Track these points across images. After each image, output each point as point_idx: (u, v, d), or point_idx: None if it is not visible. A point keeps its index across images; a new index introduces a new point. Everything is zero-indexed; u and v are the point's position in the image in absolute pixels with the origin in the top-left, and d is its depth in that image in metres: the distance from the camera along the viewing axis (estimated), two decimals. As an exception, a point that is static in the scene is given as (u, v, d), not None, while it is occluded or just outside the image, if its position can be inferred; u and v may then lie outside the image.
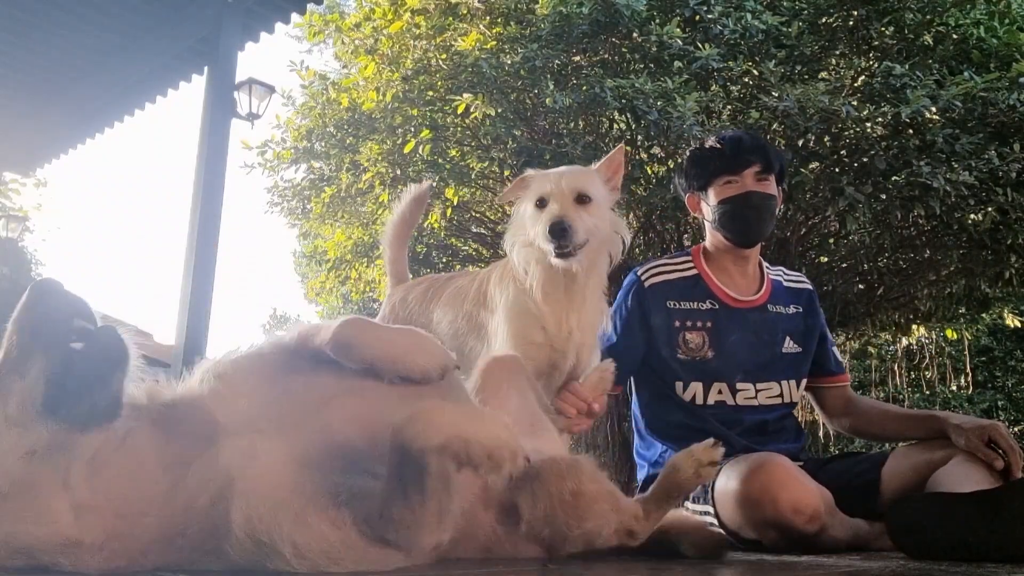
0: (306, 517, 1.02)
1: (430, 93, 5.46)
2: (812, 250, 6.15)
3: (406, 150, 5.49)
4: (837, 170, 4.97)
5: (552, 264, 1.88)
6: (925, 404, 11.54)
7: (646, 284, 2.29)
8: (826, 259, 6.22)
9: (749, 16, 4.96)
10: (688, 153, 2.46)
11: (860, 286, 6.25)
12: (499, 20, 5.50)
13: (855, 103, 4.71)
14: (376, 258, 6.70)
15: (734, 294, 2.30)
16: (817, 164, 5.07)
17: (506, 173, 5.49)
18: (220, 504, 1.02)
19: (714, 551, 1.60)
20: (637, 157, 5.39)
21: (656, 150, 5.44)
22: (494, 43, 5.39)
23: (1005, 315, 7.54)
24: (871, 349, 10.56)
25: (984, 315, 7.52)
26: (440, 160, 5.54)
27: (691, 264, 2.34)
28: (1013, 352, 12.30)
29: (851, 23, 5.30)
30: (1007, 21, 5.24)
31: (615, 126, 5.64)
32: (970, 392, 11.95)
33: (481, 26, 5.51)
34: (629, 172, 5.07)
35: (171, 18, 6.11)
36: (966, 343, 11.31)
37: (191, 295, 5.34)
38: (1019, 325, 7.72)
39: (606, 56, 5.37)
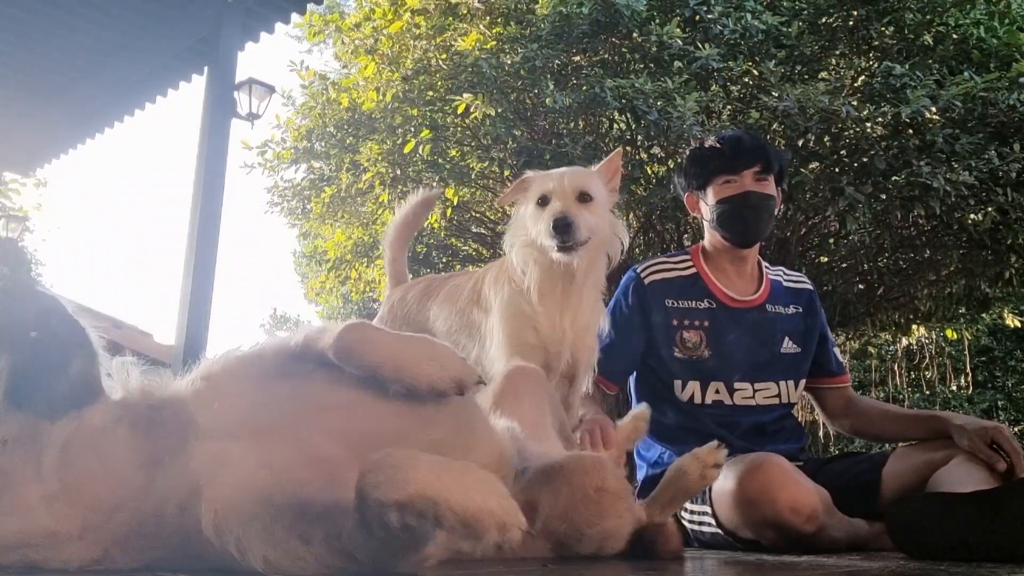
0: (275, 531, 0.98)
1: (430, 93, 5.46)
2: (812, 250, 6.15)
3: (406, 150, 5.49)
4: (837, 170, 4.97)
5: (554, 260, 1.89)
6: (925, 404, 11.54)
7: (646, 281, 2.29)
8: (826, 259, 6.22)
9: (749, 16, 4.96)
10: (687, 152, 2.46)
11: (860, 286, 6.25)
12: (499, 20, 5.50)
13: (855, 103, 4.71)
14: (376, 258, 6.69)
15: (732, 293, 2.30)
16: (817, 164, 5.07)
17: (506, 173, 5.49)
18: (189, 510, 0.99)
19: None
20: (637, 157, 5.39)
21: (656, 150, 5.44)
22: (494, 43, 5.39)
23: (1005, 315, 7.54)
24: (871, 349, 10.56)
25: (984, 315, 7.51)
26: (440, 160, 5.54)
27: (690, 263, 2.34)
28: (1013, 352, 12.29)
29: (851, 23, 5.30)
30: (1007, 21, 5.24)
31: (615, 126, 5.64)
32: (970, 392, 11.95)
33: (481, 26, 5.51)
34: (629, 172, 5.07)
35: (171, 18, 6.11)
36: (966, 343, 11.31)
37: (191, 295, 5.34)
38: (1019, 325, 7.72)
39: (606, 56, 5.37)
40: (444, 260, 7.07)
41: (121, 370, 1.13)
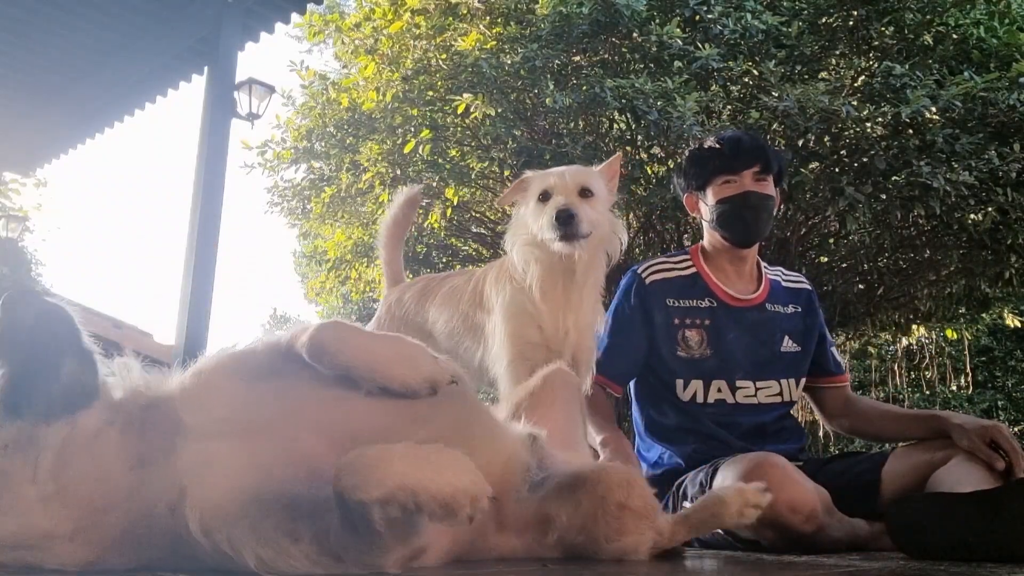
0: (264, 530, 0.99)
1: (430, 93, 5.46)
2: (812, 250, 6.15)
3: (406, 150, 5.49)
4: (837, 170, 4.97)
5: (555, 251, 1.89)
6: (925, 404, 11.54)
7: (647, 282, 2.29)
8: (826, 259, 6.22)
9: (749, 16, 4.96)
10: (686, 153, 2.46)
11: (860, 286, 6.25)
12: (499, 20, 5.50)
13: (855, 103, 4.71)
14: (376, 258, 6.69)
15: (732, 292, 2.30)
16: (817, 164, 5.07)
17: (506, 173, 5.49)
18: (178, 511, 1.00)
19: None
20: (637, 157, 5.39)
21: (656, 150, 5.44)
22: (494, 43, 5.39)
23: (1005, 315, 7.54)
24: (871, 349, 10.56)
25: (984, 315, 7.51)
26: (440, 160, 5.54)
27: (690, 263, 2.35)
28: (1013, 352, 12.29)
29: (851, 23, 5.30)
30: (1007, 21, 5.24)
31: (615, 126, 5.64)
32: (970, 392, 11.95)
33: (481, 26, 5.51)
34: (629, 172, 5.07)
35: (171, 18, 6.11)
36: (966, 343, 11.31)
37: (191, 295, 5.34)
38: (1019, 325, 7.72)
39: (606, 56, 5.37)
40: (444, 260, 7.07)
41: (123, 369, 1.13)
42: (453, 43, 5.49)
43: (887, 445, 2.36)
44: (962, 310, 6.87)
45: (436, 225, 6.06)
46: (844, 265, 6.11)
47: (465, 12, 5.54)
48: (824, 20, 5.36)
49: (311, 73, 6.66)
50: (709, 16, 5.11)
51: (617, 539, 1.28)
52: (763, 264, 2.42)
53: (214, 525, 0.99)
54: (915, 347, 11.55)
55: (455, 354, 2.09)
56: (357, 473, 0.94)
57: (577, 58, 5.33)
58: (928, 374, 12.09)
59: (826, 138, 4.96)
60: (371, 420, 1.13)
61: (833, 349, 2.44)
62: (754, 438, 2.19)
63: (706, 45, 4.83)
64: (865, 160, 4.82)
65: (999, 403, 12.06)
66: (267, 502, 1.00)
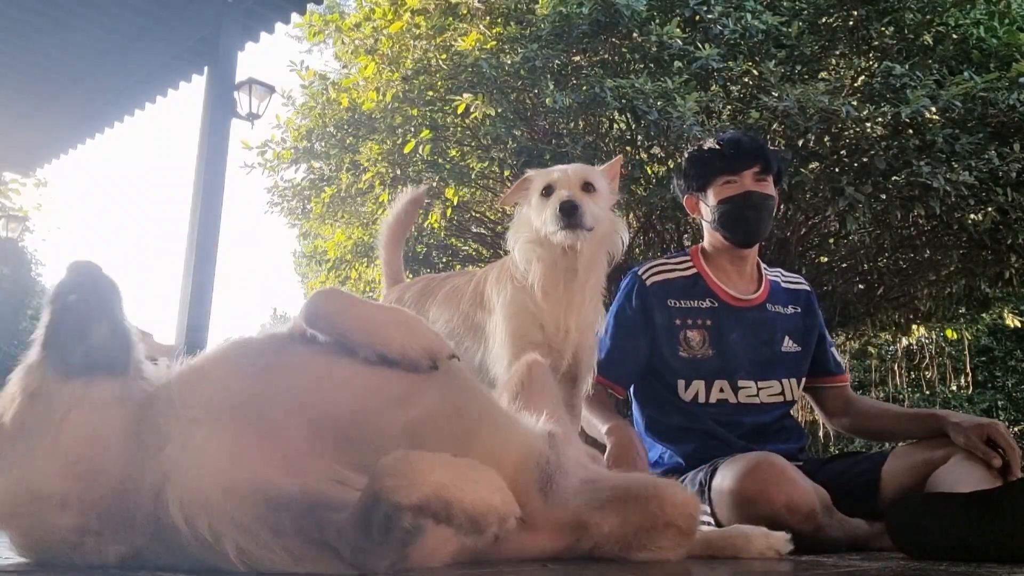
0: (243, 520, 0.97)
1: (430, 93, 5.46)
2: (812, 250, 6.15)
3: (406, 150, 5.49)
4: (837, 170, 4.96)
5: (558, 241, 1.90)
6: (925, 404, 11.54)
7: (648, 283, 2.30)
8: (826, 259, 6.22)
9: (749, 16, 4.96)
10: (686, 154, 2.47)
11: (860, 286, 6.25)
12: (499, 20, 5.49)
13: (855, 103, 4.71)
14: (376, 258, 6.68)
15: (733, 293, 2.31)
16: (817, 164, 5.07)
17: (506, 173, 5.49)
18: (160, 497, 0.99)
19: None
20: (637, 157, 5.39)
21: (656, 150, 5.44)
22: (494, 43, 5.39)
23: (1005, 315, 7.54)
24: (871, 349, 10.55)
25: (984, 315, 7.51)
26: (440, 160, 5.54)
27: (690, 264, 2.35)
28: (1013, 352, 12.29)
29: (851, 23, 5.30)
30: (1007, 21, 5.24)
31: (615, 126, 5.64)
32: (970, 392, 11.95)
33: (481, 26, 5.51)
34: (629, 172, 5.07)
35: (171, 18, 6.11)
36: (966, 343, 11.30)
37: (191, 295, 5.35)
38: (1019, 325, 7.71)
39: (606, 56, 5.37)
40: (444, 260, 7.06)
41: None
42: (453, 43, 5.48)
43: (887, 444, 2.37)
44: (962, 310, 6.87)
45: (436, 225, 6.06)
46: (844, 265, 6.11)
47: (465, 12, 5.54)
48: (824, 20, 5.35)
49: (311, 73, 6.66)
50: (709, 16, 5.11)
51: (654, 551, 1.28)
52: (763, 265, 2.43)
53: (195, 512, 0.97)
54: (915, 347, 11.55)
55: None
56: (399, 476, 0.93)
57: (577, 58, 5.33)
58: (928, 374, 12.09)
59: (826, 138, 4.96)
60: (355, 402, 1.10)
61: (833, 349, 2.45)
62: (755, 438, 2.19)
63: (706, 45, 4.83)
64: (865, 160, 4.82)
65: (999, 403, 12.06)
66: (246, 490, 0.98)
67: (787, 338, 2.32)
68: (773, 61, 4.85)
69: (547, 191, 1.95)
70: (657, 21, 5.10)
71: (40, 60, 6.59)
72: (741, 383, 2.22)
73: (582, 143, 5.14)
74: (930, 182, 4.48)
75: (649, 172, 5.39)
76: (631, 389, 2.38)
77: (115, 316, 1.08)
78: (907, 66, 4.84)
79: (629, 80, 4.75)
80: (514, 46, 5.24)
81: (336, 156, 6.21)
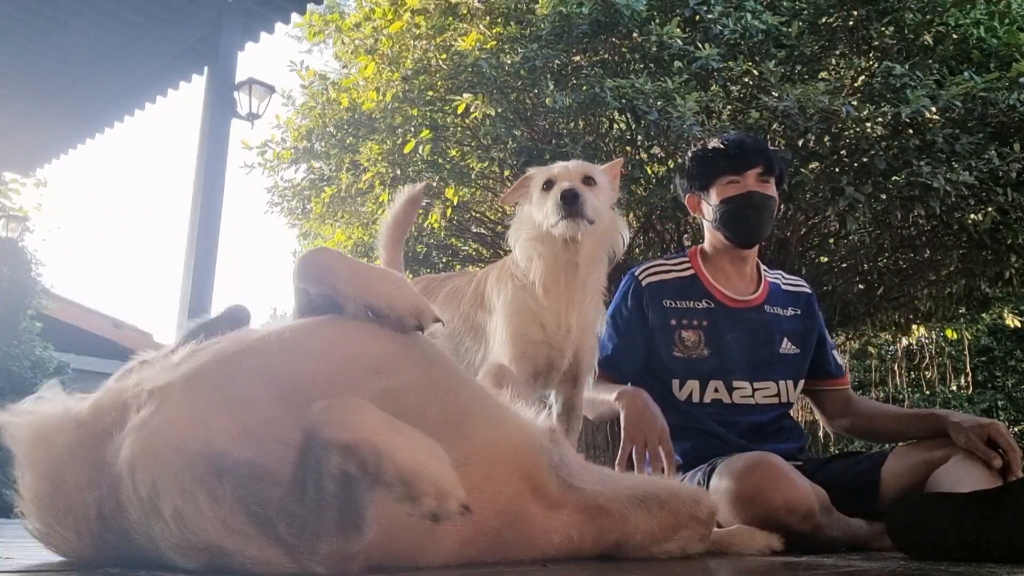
0: (184, 480, 0.93)
1: (430, 93, 5.46)
2: (812, 250, 6.15)
3: (406, 150, 5.48)
4: (837, 170, 4.96)
5: (559, 233, 1.90)
6: (925, 404, 11.53)
7: (643, 283, 2.31)
8: (826, 259, 6.21)
9: (749, 16, 4.96)
10: (690, 153, 2.48)
11: (860, 286, 6.24)
12: (499, 20, 5.49)
13: (855, 103, 4.71)
14: (376, 258, 6.67)
15: (731, 293, 2.32)
16: (817, 164, 5.06)
17: (506, 173, 5.49)
18: (122, 452, 0.98)
19: None
20: (637, 157, 5.38)
21: (656, 150, 5.44)
22: (494, 43, 5.39)
23: (1005, 315, 7.53)
24: (871, 349, 10.54)
25: (984, 315, 7.50)
26: (440, 160, 5.54)
27: (688, 265, 2.36)
28: (1013, 352, 12.28)
29: (851, 23, 5.30)
30: (1007, 21, 5.23)
31: (615, 126, 5.64)
32: (970, 392, 11.94)
33: (481, 26, 5.51)
34: (629, 172, 5.07)
35: (171, 18, 6.12)
36: (966, 343, 11.29)
37: (191, 295, 5.36)
38: (1019, 325, 7.71)
39: (606, 56, 5.37)
40: (444, 260, 7.06)
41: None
42: (453, 43, 5.48)
43: (887, 445, 2.37)
44: (962, 310, 6.86)
45: (436, 225, 6.05)
46: (844, 265, 6.11)
47: (465, 12, 5.54)
48: (824, 20, 5.35)
49: (311, 73, 6.65)
50: (709, 16, 5.11)
51: (679, 542, 1.34)
52: (763, 267, 2.43)
53: (141, 464, 0.95)
54: (915, 347, 11.54)
55: (456, 355, 2.10)
56: (333, 411, 0.91)
57: (577, 58, 5.32)
58: (928, 374, 12.08)
59: (826, 138, 4.96)
60: (328, 371, 1.08)
61: (834, 351, 2.46)
62: (753, 437, 2.20)
63: (706, 45, 4.83)
64: (865, 160, 4.81)
65: (999, 403, 12.05)
66: (195, 450, 0.95)
67: (786, 340, 2.33)
68: (773, 61, 4.84)
69: (548, 185, 1.97)
70: (657, 21, 5.10)
71: (40, 60, 6.59)
72: (736, 383, 2.23)
73: (582, 143, 5.14)
74: (930, 182, 4.48)
75: (649, 172, 5.39)
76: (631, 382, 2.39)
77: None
78: (907, 66, 4.84)
79: (629, 80, 4.75)
80: (514, 46, 5.23)
81: (336, 156, 6.21)
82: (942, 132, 4.63)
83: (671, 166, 5.19)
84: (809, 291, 2.47)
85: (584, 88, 4.83)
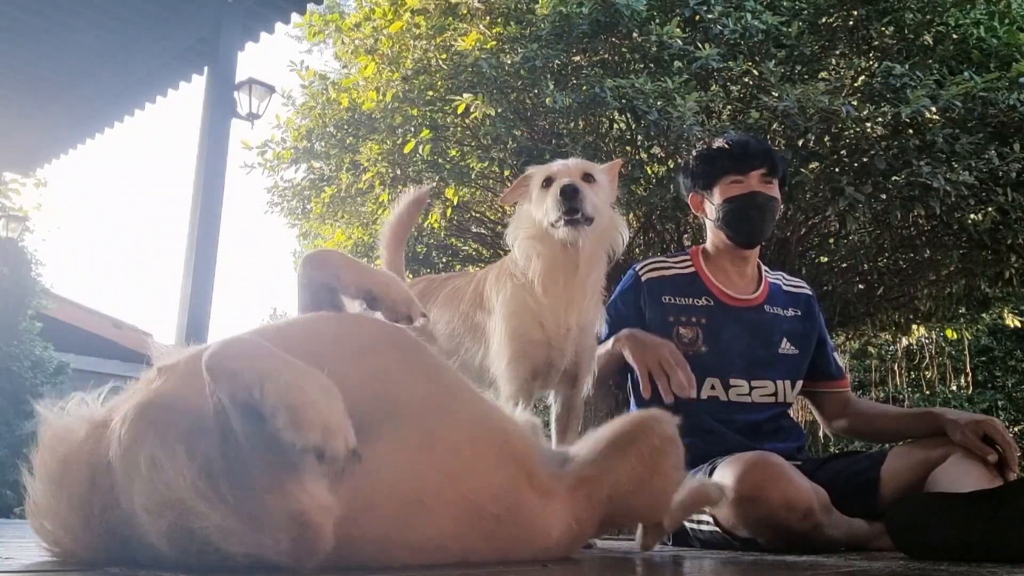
0: (168, 435, 0.94)
1: (430, 93, 5.46)
2: (812, 250, 6.15)
3: (406, 150, 5.48)
4: (837, 170, 4.96)
5: (560, 237, 1.90)
6: (925, 404, 11.53)
7: (643, 279, 2.32)
8: (826, 259, 6.21)
9: (749, 16, 4.96)
10: (695, 153, 2.50)
11: (860, 286, 6.24)
12: (499, 20, 5.49)
13: (855, 103, 4.71)
14: (376, 258, 6.66)
15: (731, 292, 2.32)
16: (817, 164, 5.07)
17: (506, 173, 5.49)
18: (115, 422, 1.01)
19: None
20: (637, 157, 5.39)
21: (656, 150, 5.44)
22: (494, 43, 5.39)
23: (1005, 315, 7.53)
24: (871, 349, 10.54)
25: (984, 315, 7.50)
26: (440, 160, 5.54)
27: (689, 263, 2.37)
28: (1013, 352, 12.28)
29: (851, 23, 5.30)
30: (1007, 21, 5.23)
31: (615, 126, 5.64)
32: (970, 392, 11.94)
33: (481, 26, 5.51)
34: (629, 172, 5.07)
35: (171, 18, 6.12)
36: (966, 343, 11.29)
37: (191, 295, 5.35)
38: (1019, 325, 7.70)
39: (606, 56, 5.37)
40: (444, 260, 7.06)
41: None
42: (453, 43, 5.48)
43: (886, 444, 2.38)
44: (962, 310, 6.86)
45: (436, 225, 6.05)
46: (844, 265, 6.11)
47: (465, 12, 5.54)
48: (824, 20, 5.35)
49: (311, 73, 6.65)
50: (709, 16, 5.11)
51: (665, 475, 1.34)
52: (764, 268, 2.44)
53: (133, 419, 0.97)
54: (915, 347, 11.54)
55: (456, 355, 2.10)
56: (225, 345, 0.92)
57: (577, 58, 5.32)
58: (928, 374, 12.08)
59: (826, 138, 4.96)
60: (310, 347, 1.09)
61: (835, 354, 2.47)
62: (751, 435, 2.20)
63: (706, 45, 4.83)
64: (865, 160, 4.82)
65: (999, 403, 12.05)
66: (180, 407, 0.97)
67: (785, 340, 2.33)
68: (773, 61, 4.85)
69: (547, 183, 1.97)
70: (657, 21, 5.10)
71: (40, 60, 6.59)
72: (733, 381, 2.24)
73: (582, 143, 5.14)
74: (930, 182, 4.48)
75: (649, 172, 5.39)
76: (629, 386, 2.39)
77: None
78: (907, 66, 4.84)
79: (629, 80, 4.75)
80: (514, 46, 5.24)
81: (336, 156, 6.21)
82: (942, 132, 4.63)
83: (671, 166, 5.19)
84: (810, 293, 2.47)
85: (584, 88, 4.83)
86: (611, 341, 2.12)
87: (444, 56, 5.49)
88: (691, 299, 2.29)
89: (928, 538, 1.51)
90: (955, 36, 5.16)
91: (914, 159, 4.60)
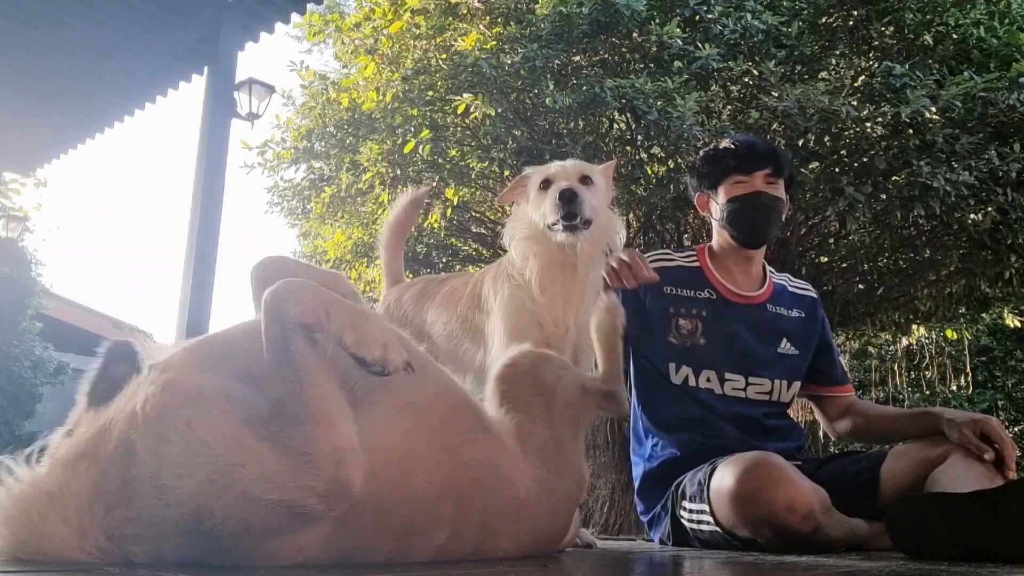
0: (197, 400, 1.03)
1: (430, 93, 5.45)
2: (812, 250, 6.15)
3: (406, 150, 5.48)
4: (837, 170, 4.96)
5: (559, 241, 1.90)
6: (925, 404, 11.52)
7: None
8: (826, 259, 6.21)
9: (749, 16, 4.96)
10: (701, 153, 2.52)
11: (860, 286, 6.24)
12: (499, 20, 5.49)
13: (855, 103, 4.70)
14: (376, 258, 6.67)
15: (734, 289, 2.33)
16: (817, 164, 5.07)
17: (506, 173, 5.49)
18: (128, 409, 1.06)
19: None
20: (637, 157, 5.38)
21: (656, 150, 5.44)
22: (494, 43, 5.38)
23: (1005, 315, 7.53)
24: (871, 349, 10.55)
25: (984, 315, 7.50)
26: (440, 160, 5.54)
27: (695, 258, 2.40)
28: (1013, 352, 12.27)
29: (851, 23, 5.29)
30: (1007, 21, 5.23)
31: (615, 126, 5.64)
32: (970, 392, 11.93)
33: (481, 26, 5.51)
34: (629, 172, 5.07)
35: (171, 18, 6.12)
36: (966, 343, 11.29)
37: (191, 295, 5.35)
38: (1019, 325, 7.70)
39: (606, 56, 5.36)
40: (444, 260, 7.06)
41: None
42: (453, 43, 5.48)
43: (886, 445, 2.39)
44: (962, 310, 6.86)
45: (436, 225, 6.05)
46: (844, 265, 6.11)
47: (465, 12, 5.54)
48: (824, 20, 5.35)
49: (311, 73, 6.65)
50: (709, 16, 5.10)
51: (563, 388, 1.53)
52: (770, 269, 2.46)
53: (156, 395, 1.04)
54: (915, 347, 11.54)
55: (454, 356, 2.10)
56: (280, 284, 1.05)
57: (577, 58, 5.32)
58: (928, 374, 12.08)
59: (826, 138, 4.96)
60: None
61: (840, 359, 2.48)
62: (751, 431, 2.21)
63: (706, 45, 4.83)
64: (865, 160, 4.81)
65: (999, 403, 12.05)
66: (205, 381, 1.07)
67: (785, 340, 2.34)
68: (773, 61, 4.84)
69: (545, 184, 1.97)
70: (657, 21, 5.09)
71: (40, 60, 6.59)
72: (728, 375, 2.25)
73: (582, 143, 5.14)
74: (930, 182, 4.48)
75: (649, 172, 5.39)
76: (630, 384, 2.41)
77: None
78: (907, 66, 4.84)
79: (629, 80, 4.75)
80: (514, 46, 5.23)
81: (336, 156, 6.20)
82: (942, 132, 4.63)
83: (671, 166, 5.19)
84: (815, 295, 2.49)
85: (584, 88, 4.83)
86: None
87: (444, 56, 5.49)
88: (693, 292, 2.31)
89: (928, 538, 1.51)
90: (955, 36, 5.16)
91: (914, 159, 4.60)
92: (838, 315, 6.18)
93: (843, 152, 5.05)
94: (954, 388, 12.10)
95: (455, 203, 5.76)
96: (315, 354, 1.04)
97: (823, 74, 5.41)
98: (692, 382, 2.24)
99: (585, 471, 1.62)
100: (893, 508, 1.66)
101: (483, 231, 6.94)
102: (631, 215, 5.53)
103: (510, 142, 5.17)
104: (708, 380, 2.24)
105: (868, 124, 4.70)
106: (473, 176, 5.78)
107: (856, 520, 1.96)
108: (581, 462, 1.60)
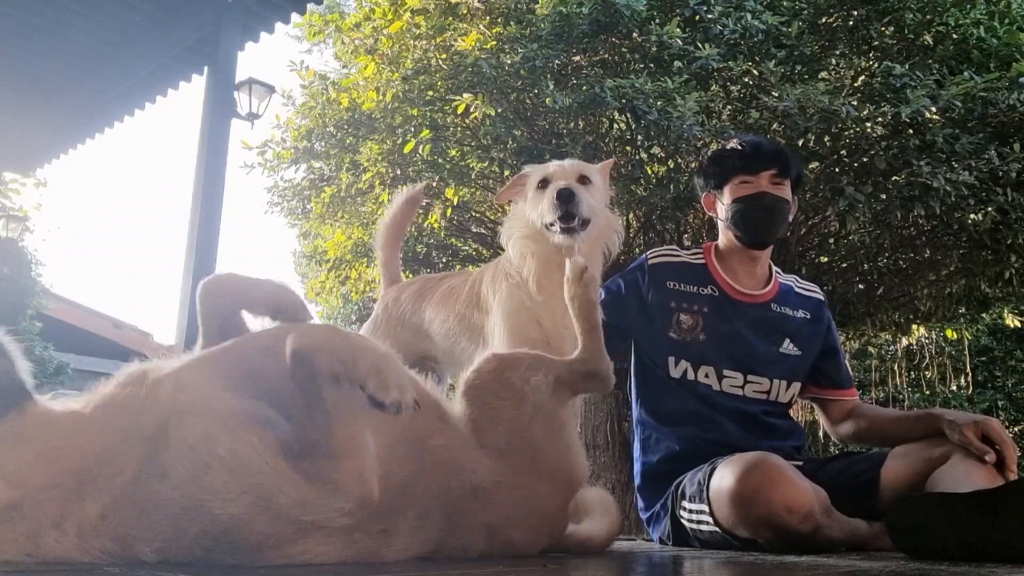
0: (235, 426, 1.07)
1: (430, 93, 5.45)
2: (812, 250, 6.15)
3: (406, 150, 5.48)
4: (837, 170, 4.96)
5: (556, 243, 1.90)
6: (925, 404, 11.52)
7: (650, 263, 2.35)
8: (826, 259, 6.21)
9: (749, 16, 4.95)
10: (709, 153, 2.52)
11: (860, 286, 6.24)
12: (499, 20, 5.49)
13: (855, 103, 4.70)
14: (375, 258, 6.67)
15: (738, 287, 2.34)
16: (817, 164, 5.06)
17: (506, 173, 5.49)
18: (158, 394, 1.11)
19: None
20: (637, 157, 5.38)
21: (656, 150, 5.43)
22: (494, 43, 5.38)
23: (1005, 315, 7.53)
24: (871, 349, 10.54)
25: (984, 315, 7.49)
26: (440, 160, 5.54)
27: (700, 255, 2.40)
28: (1013, 352, 12.27)
29: (851, 23, 5.29)
30: (1007, 21, 5.23)
31: (615, 126, 5.64)
32: (970, 392, 11.93)
33: (481, 26, 5.51)
34: (629, 172, 5.07)
35: (171, 18, 6.12)
36: (966, 343, 11.29)
37: (191, 295, 5.35)
38: (1019, 325, 7.70)
39: (606, 56, 5.36)
40: (444, 260, 7.06)
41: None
42: (453, 43, 5.48)
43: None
44: (962, 310, 6.85)
45: (436, 225, 6.05)
46: (844, 265, 6.11)
47: (465, 12, 5.53)
48: (824, 20, 5.35)
49: (311, 73, 6.64)
50: (709, 16, 5.10)
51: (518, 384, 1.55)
52: (776, 270, 2.46)
53: (192, 421, 1.08)
54: (915, 347, 11.54)
55: (452, 354, 2.10)
56: (304, 331, 1.15)
57: (577, 58, 5.32)
58: (928, 374, 12.07)
59: (826, 138, 4.96)
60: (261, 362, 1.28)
61: (846, 363, 2.48)
62: (750, 427, 2.21)
63: (706, 45, 4.83)
64: (865, 160, 4.81)
65: (999, 403, 12.05)
66: (234, 404, 1.12)
67: (788, 340, 2.34)
68: (773, 61, 4.84)
69: (543, 184, 1.97)
70: (657, 21, 5.09)
71: (40, 60, 6.59)
72: (727, 372, 2.25)
73: (582, 143, 5.13)
74: (930, 182, 4.48)
75: (649, 172, 5.39)
76: (631, 383, 2.41)
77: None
78: (907, 66, 4.83)
79: (629, 80, 4.75)
80: (514, 46, 5.23)
81: (336, 156, 6.20)
82: (942, 132, 4.63)
83: (671, 166, 5.19)
84: (821, 298, 2.49)
85: (584, 88, 4.83)
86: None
87: (444, 56, 5.48)
88: (696, 287, 2.31)
89: (928, 538, 1.51)
90: (955, 36, 5.16)
91: (914, 159, 4.59)
92: (838, 315, 6.18)
93: (843, 152, 5.05)
94: (954, 388, 12.10)
95: (455, 203, 5.76)
96: (343, 396, 1.12)
97: (823, 74, 5.41)
98: (691, 376, 2.25)
99: (579, 469, 1.60)
100: (893, 508, 1.65)
101: (483, 231, 6.94)
102: (631, 215, 5.53)
103: (510, 142, 5.17)
104: (706, 376, 2.25)
105: (868, 124, 4.70)
106: (473, 176, 5.78)
107: (856, 520, 1.96)
108: (570, 461, 1.58)
